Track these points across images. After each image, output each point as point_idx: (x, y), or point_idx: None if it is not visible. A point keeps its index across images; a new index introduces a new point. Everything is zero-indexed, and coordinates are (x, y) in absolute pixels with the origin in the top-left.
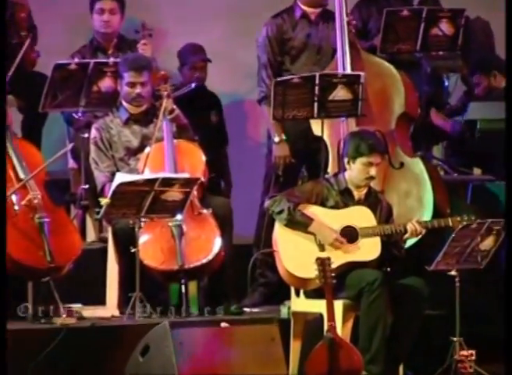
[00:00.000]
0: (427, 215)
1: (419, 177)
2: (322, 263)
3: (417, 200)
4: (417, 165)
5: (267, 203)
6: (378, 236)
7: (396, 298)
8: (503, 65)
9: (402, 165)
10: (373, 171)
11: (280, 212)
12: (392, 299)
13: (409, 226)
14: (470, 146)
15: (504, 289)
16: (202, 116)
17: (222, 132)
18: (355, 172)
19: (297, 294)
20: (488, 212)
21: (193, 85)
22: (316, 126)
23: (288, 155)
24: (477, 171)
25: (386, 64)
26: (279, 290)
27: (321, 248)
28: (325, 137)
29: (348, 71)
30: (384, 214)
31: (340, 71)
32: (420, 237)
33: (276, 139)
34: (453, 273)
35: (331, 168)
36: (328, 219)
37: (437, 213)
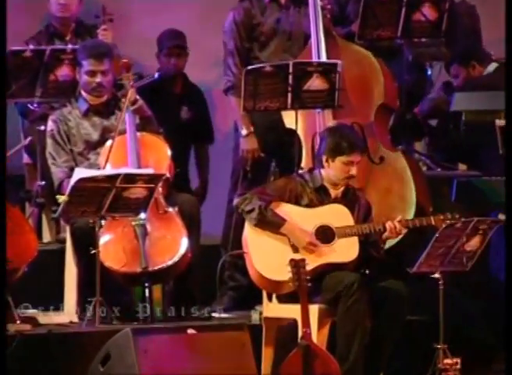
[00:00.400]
0: (409, 213)
1: (401, 173)
2: (296, 265)
3: (398, 197)
4: (399, 159)
5: (236, 201)
6: (356, 236)
7: (375, 302)
8: (483, 55)
9: (382, 159)
10: (354, 170)
11: (250, 211)
12: (372, 303)
13: (388, 225)
14: (454, 140)
15: (505, 291)
16: (170, 110)
17: (203, 128)
18: (334, 170)
19: (269, 298)
20: (474, 210)
21: (156, 75)
22: (288, 118)
23: (256, 149)
24: (462, 167)
25: (365, 52)
26: (249, 294)
27: (295, 248)
28: (299, 130)
29: (324, 59)
30: (362, 212)
31: (315, 59)
32: (400, 236)
33: (244, 132)
34: (436, 275)
35: (304, 163)
36: (302, 218)
37: (418, 212)
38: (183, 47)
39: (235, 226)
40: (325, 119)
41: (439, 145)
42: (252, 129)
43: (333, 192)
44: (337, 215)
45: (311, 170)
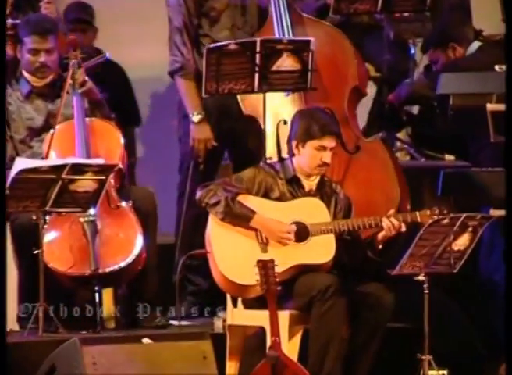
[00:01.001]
0: (392, 208)
1: (381, 163)
2: (265, 266)
3: (380, 191)
4: (378, 148)
5: (199, 194)
6: (333, 234)
7: (353, 308)
8: (462, 35)
9: (358, 149)
10: (327, 157)
11: (216, 203)
12: (350, 310)
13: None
14: (440, 127)
15: (505, 292)
16: None
17: (123, 110)
18: (305, 158)
19: (234, 303)
20: (463, 204)
21: (107, 54)
22: (247, 103)
23: (210, 138)
24: (449, 157)
25: (335, 29)
26: (212, 299)
27: (264, 248)
28: (262, 117)
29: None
30: (341, 208)
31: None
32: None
33: (196, 118)
34: (420, 277)
35: (269, 154)
36: (273, 212)
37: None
38: (88, 21)
39: (190, 222)
40: (293, 104)
41: (423, 134)
42: (204, 115)
43: (307, 184)
44: (312, 210)
45: (282, 160)
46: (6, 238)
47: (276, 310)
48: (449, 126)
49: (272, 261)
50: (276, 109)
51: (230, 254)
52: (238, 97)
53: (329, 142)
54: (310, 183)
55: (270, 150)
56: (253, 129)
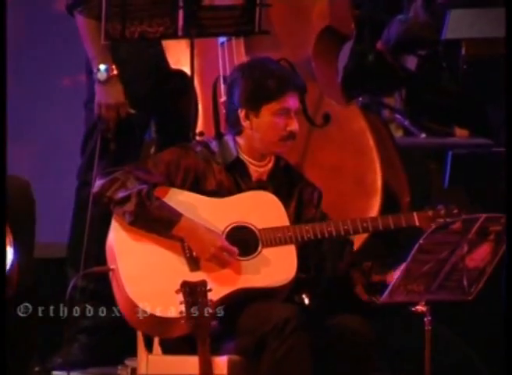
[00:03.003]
0: (373, 204)
1: (358, 140)
2: (193, 292)
3: (354, 178)
4: (355, 119)
5: (99, 184)
6: (293, 243)
7: (322, 350)
8: None
9: (327, 119)
10: (293, 123)
11: (124, 199)
12: (317, 352)
13: (342, 227)
14: (448, 88)
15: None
16: None
17: None
18: (263, 131)
19: (148, 345)
20: (482, 200)
21: None
22: (173, 52)
23: (123, 103)
24: (461, 132)
25: None
26: (115, 339)
27: (194, 264)
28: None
29: None
30: (305, 204)
31: None
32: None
33: (102, 75)
34: (419, 307)
35: (201, 125)
36: (207, 212)
37: (387, 204)
38: None
39: (91, 226)
40: (234, 54)
41: (423, 99)
42: (115, 71)
43: (255, 170)
44: (262, 208)
45: (220, 137)
46: (5, 235)
47: (210, 355)
48: (461, 86)
49: (204, 283)
50: (212, 61)
51: (144, 273)
52: (163, 43)
53: (293, 101)
54: (259, 170)
55: (202, 122)
56: (185, 89)
